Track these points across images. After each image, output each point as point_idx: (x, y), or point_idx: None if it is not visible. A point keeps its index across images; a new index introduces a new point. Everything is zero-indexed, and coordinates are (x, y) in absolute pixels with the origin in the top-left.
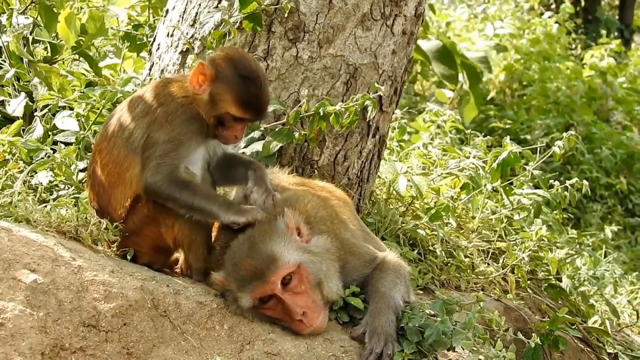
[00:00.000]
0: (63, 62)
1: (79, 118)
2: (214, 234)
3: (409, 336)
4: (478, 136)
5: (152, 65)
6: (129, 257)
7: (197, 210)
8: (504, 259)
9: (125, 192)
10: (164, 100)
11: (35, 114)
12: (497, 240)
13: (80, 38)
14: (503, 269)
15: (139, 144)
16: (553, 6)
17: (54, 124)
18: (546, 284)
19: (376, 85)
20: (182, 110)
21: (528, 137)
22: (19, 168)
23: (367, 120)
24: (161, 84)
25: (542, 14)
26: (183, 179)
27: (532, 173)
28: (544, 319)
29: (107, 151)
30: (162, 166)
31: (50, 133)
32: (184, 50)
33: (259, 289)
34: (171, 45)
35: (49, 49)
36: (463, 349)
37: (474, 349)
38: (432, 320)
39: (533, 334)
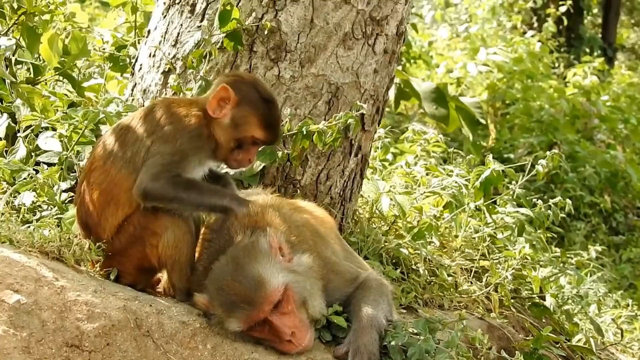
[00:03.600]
0: (46, 83)
1: (62, 139)
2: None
3: (392, 355)
4: (461, 156)
5: (134, 86)
6: (112, 277)
7: (206, 207)
8: (487, 277)
9: (117, 213)
10: (171, 120)
11: (18, 134)
12: (480, 259)
13: (62, 59)
14: (486, 287)
15: (142, 163)
16: (536, 25)
17: (37, 144)
18: (530, 303)
19: (358, 103)
20: (190, 129)
21: (511, 155)
22: (2, 189)
23: (350, 139)
24: (164, 105)
25: (524, 32)
26: (187, 179)
27: (515, 192)
28: (527, 338)
29: (103, 171)
30: (165, 172)
31: (33, 154)
32: (166, 70)
33: (250, 316)
34: (153, 66)
35: (31, 69)
36: None
37: None
38: (415, 339)
39: (517, 352)
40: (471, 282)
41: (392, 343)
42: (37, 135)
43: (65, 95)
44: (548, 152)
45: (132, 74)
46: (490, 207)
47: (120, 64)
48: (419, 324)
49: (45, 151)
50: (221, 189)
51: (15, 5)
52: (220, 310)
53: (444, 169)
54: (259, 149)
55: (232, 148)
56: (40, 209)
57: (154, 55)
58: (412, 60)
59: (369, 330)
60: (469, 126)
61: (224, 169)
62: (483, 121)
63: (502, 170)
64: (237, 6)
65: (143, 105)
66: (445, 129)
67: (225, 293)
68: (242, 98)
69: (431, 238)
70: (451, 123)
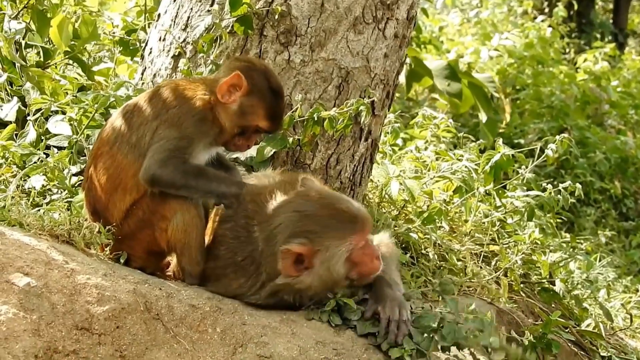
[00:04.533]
0: (56, 67)
1: (72, 122)
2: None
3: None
4: (471, 140)
5: (144, 70)
6: (122, 261)
7: (215, 194)
8: (496, 262)
9: (125, 198)
10: (176, 102)
11: (28, 118)
12: (489, 244)
13: (72, 43)
14: (496, 272)
15: (148, 146)
16: (547, 10)
17: (47, 128)
18: (539, 288)
19: (370, 90)
20: (195, 112)
21: (522, 141)
22: (12, 172)
23: (360, 124)
24: (170, 87)
25: (535, 18)
26: (195, 166)
27: (525, 177)
28: (537, 322)
29: (109, 156)
30: (173, 159)
31: (43, 137)
32: (176, 54)
33: (362, 235)
34: (163, 50)
35: (41, 53)
36: (459, 350)
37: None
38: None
39: (524, 338)
40: (481, 267)
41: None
42: (47, 119)
43: (75, 79)
44: (557, 137)
45: (142, 58)
46: (500, 191)
47: (130, 48)
48: (452, 304)
49: (55, 135)
50: (228, 177)
51: None
52: (328, 242)
53: (454, 154)
54: (270, 135)
55: (234, 134)
56: (50, 192)
57: (164, 39)
58: (422, 45)
59: (390, 286)
60: (483, 104)
61: (233, 154)
62: (497, 95)
63: (512, 155)
64: None
65: None
66: (459, 110)
67: (334, 219)
68: (253, 87)
69: (441, 222)
70: (464, 102)
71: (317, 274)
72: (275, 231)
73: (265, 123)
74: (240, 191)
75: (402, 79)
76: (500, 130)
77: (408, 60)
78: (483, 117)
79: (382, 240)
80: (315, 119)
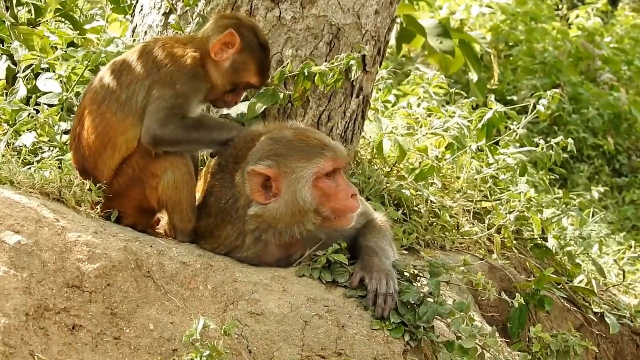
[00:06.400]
0: (47, 23)
1: (61, 79)
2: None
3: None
4: (464, 96)
5: (135, 27)
6: (112, 218)
7: (219, 142)
8: (489, 218)
9: (114, 156)
10: (167, 61)
11: (18, 75)
12: (482, 200)
13: (63, 0)
14: (488, 228)
15: (141, 105)
16: None
17: (36, 86)
18: (532, 244)
19: (360, 44)
20: (187, 70)
21: (514, 97)
22: (3, 130)
23: (351, 80)
24: (159, 46)
25: None
26: (193, 119)
27: (518, 133)
28: (529, 279)
29: (98, 114)
30: (171, 116)
31: (33, 95)
32: (167, 11)
33: (334, 160)
34: (154, 7)
35: (32, 11)
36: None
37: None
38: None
39: (517, 294)
40: (473, 224)
41: (403, 299)
42: (36, 77)
43: (66, 33)
44: (548, 92)
45: (133, 15)
46: (492, 148)
47: (122, 5)
48: (432, 283)
49: (45, 93)
50: (226, 122)
51: None
52: (295, 164)
53: (446, 110)
54: (260, 91)
55: (225, 91)
56: (41, 150)
57: None
58: (414, 2)
59: (375, 256)
60: (473, 64)
61: (223, 110)
62: (489, 50)
63: (505, 112)
64: None
65: None
66: (448, 70)
67: (303, 144)
68: (245, 44)
69: (433, 179)
70: (455, 62)
71: (284, 199)
72: (249, 160)
73: (256, 79)
74: (240, 134)
75: (392, 37)
76: (493, 87)
77: (399, 19)
78: (473, 76)
79: (376, 216)
80: (306, 73)
